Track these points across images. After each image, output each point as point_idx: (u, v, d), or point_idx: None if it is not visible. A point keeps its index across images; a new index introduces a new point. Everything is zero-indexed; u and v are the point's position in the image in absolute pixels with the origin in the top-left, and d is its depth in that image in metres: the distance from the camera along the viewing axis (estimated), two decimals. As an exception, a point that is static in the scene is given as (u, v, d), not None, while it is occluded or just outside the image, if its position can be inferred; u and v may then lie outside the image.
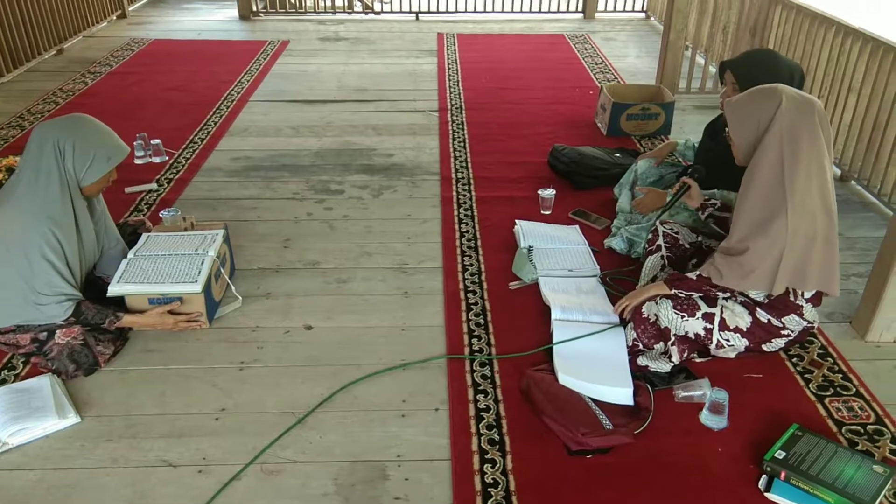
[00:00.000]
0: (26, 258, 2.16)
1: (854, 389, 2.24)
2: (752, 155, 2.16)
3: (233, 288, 2.59)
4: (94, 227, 2.37)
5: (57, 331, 2.24)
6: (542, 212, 3.26)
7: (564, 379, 2.18)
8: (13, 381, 2.20)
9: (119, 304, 2.34)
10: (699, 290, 2.24)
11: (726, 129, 2.27)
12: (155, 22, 6.60)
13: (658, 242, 2.62)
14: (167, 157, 3.75)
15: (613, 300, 2.58)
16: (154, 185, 3.44)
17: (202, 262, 2.40)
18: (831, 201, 2.13)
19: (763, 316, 2.24)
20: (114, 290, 2.31)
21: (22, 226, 2.15)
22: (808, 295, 2.22)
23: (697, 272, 2.23)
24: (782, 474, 1.87)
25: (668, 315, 2.22)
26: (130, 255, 2.44)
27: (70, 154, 2.19)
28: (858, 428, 2.09)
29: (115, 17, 6.57)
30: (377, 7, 7.23)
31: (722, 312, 2.23)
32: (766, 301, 2.24)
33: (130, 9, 6.82)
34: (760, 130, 2.12)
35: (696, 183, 2.54)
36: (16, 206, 2.18)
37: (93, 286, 2.44)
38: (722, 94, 2.76)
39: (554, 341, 2.35)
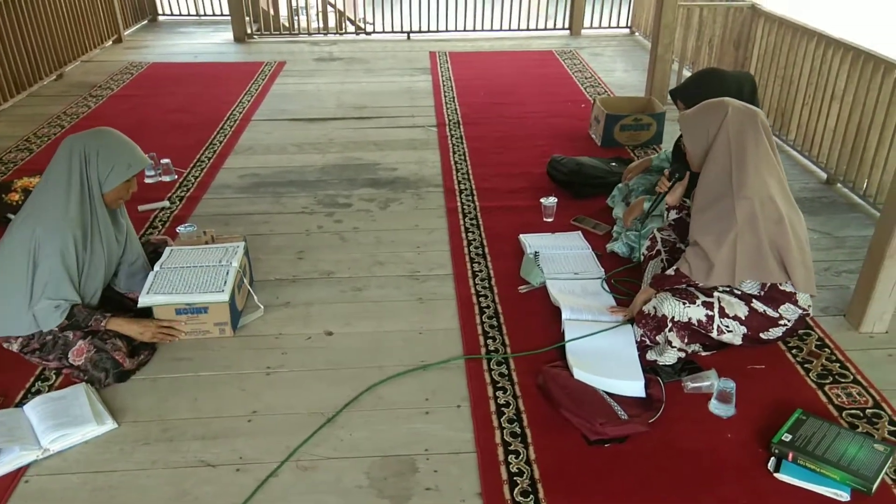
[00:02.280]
0: (39, 263, 2.23)
1: (851, 377, 2.37)
2: (703, 162, 2.38)
3: (255, 297, 2.68)
4: (117, 237, 2.47)
5: (69, 354, 2.30)
6: (544, 219, 3.39)
7: (579, 374, 2.29)
8: (48, 392, 2.28)
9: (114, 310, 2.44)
10: (679, 283, 2.38)
11: (681, 140, 2.45)
12: (151, 46, 6.71)
13: (657, 248, 2.76)
14: (176, 176, 3.84)
15: (619, 301, 2.71)
16: (166, 203, 3.53)
17: (227, 273, 2.50)
18: (781, 195, 2.29)
19: (759, 307, 2.36)
20: (144, 300, 2.40)
21: (44, 230, 2.24)
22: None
23: (674, 267, 2.40)
24: (790, 455, 1.99)
25: (670, 305, 2.33)
26: (157, 267, 2.53)
27: (94, 160, 2.31)
28: (858, 412, 2.22)
29: (111, 42, 6.67)
30: (368, 28, 7.39)
31: (720, 302, 2.35)
32: (761, 294, 2.37)
33: (126, 33, 6.93)
34: (710, 138, 2.34)
35: (682, 183, 2.66)
36: (40, 214, 2.27)
37: (118, 304, 2.53)
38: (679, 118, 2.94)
39: (566, 339, 2.46)
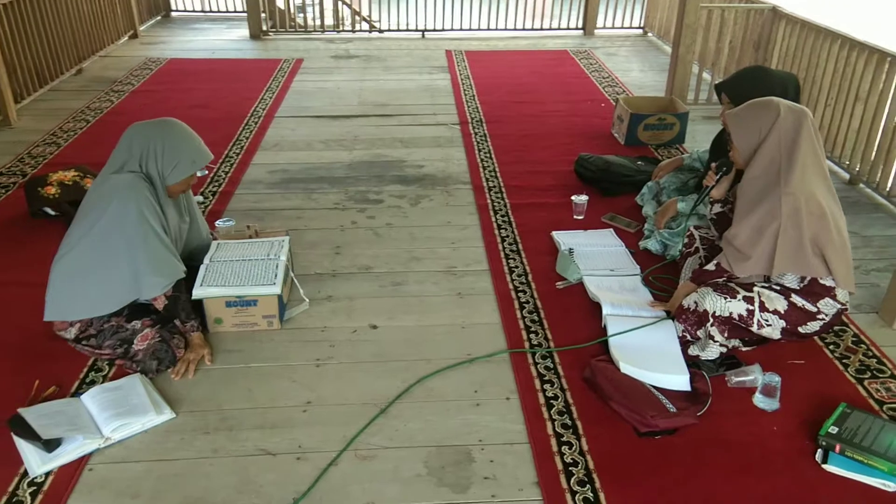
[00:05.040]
0: (125, 233, 2.26)
1: (889, 372, 2.42)
2: (751, 158, 2.41)
3: (301, 290, 2.72)
4: (180, 225, 2.51)
5: (135, 340, 2.34)
6: (574, 217, 3.43)
7: (626, 368, 2.33)
8: (102, 383, 2.31)
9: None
10: (720, 277, 2.43)
11: (729, 136, 2.49)
12: (167, 41, 6.73)
13: (696, 245, 2.80)
14: (206, 172, 3.87)
15: (657, 298, 2.75)
16: (200, 198, 3.56)
17: (276, 266, 2.53)
18: (826, 191, 2.35)
19: (798, 301, 2.41)
20: (198, 293, 2.43)
21: (119, 199, 2.26)
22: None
23: (715, 262, 2.44)
24: (837, 447, 2.03)
25: (712, 300, 2.38)
26: (206, 260, 2.57)
27: (161, 154, 2.34)
28: (898, 406, 2.28)
29: (126, 38, 6.68)
30: (381, 26, 7.42)
31: (760, 296, 2.40)
32: (801, 288, 2.42)
33: (141, 29, 6.94)
34: (762, 136, 2.38)
35: (728, 177, 2.70)
36: (110, 194, 2.29)
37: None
38: (721, 112, 2.98)
39: (609, 334, 2.51)
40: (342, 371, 2.41)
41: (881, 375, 2.41)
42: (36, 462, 1.98)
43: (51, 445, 2.00)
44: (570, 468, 2.01)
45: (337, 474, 2.00)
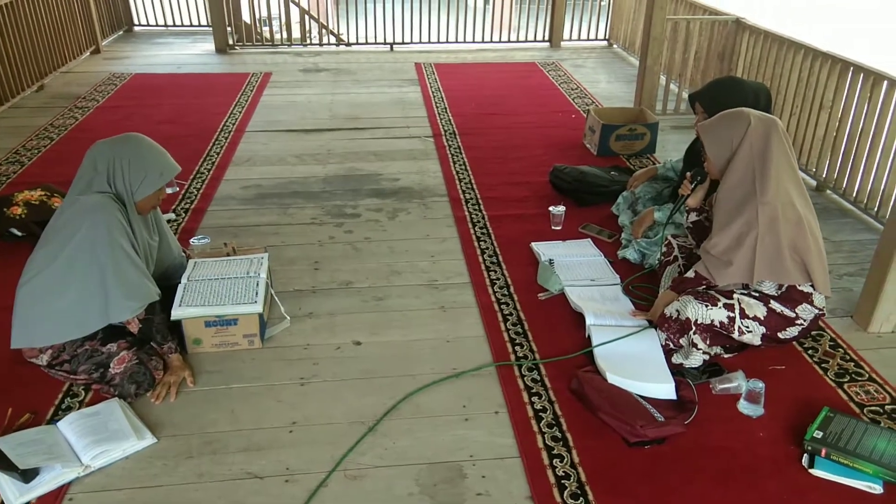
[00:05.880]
0: (96, 256, 2.19)
1: (867, 375, 2.47)
2: (725, 169, 2.46)
3: (282, 308, 2.67)
4: (153, 243, 2.45)
5: (111, 364, 2.27)
6: (552, 227, 3.45)
7: (612, 378, 2.34)
8: (78, 409, 2.24)
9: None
10: (700, 284, 2.46)
11: (703, 147, 2.54)
12: (130, 56, 6.61)
13: (675, 254, 2.83)
14: (178, 188, 3.80)
15: (638, 307, 2.77)
16: (172, 216, 3.49)
17: (257, 284, 2.49)
18: (800, 197, 2.39)
19: (777, 307, 2.45)
20: (176, 313, 2.38)
21: (90, 221, 2.20)
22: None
23: (693, 270, 2.47)
24: (823, 452, 2.06)
25: (694, 308, 2.40)
26: (184, 280, 2.51)
27: (127, 169, 2.28)
28: (878, 408, 2.32)
29: (88, 53, 6.54)
30: (347, 39, 7.39)
31: (740, 303, 2.44)
32: (779, 294, 2.46)
33: (103, 43, 6.81)
34: (734, 147, 2.43)
35: (703, 186, 2.75)
36: (78, 213, 2.23)
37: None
38: (696, 122, 3.03)
39: (594, 344, 2.51)
40: (327, 389, 2.37)
41: (860, 378, 2.46)
42: (13, 493, 1.90)
43: (28, 475, 1.93)
44: (563, 481, 2.00)
45: (327, 496, 1.96)
